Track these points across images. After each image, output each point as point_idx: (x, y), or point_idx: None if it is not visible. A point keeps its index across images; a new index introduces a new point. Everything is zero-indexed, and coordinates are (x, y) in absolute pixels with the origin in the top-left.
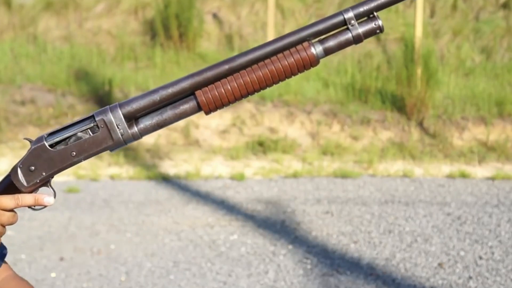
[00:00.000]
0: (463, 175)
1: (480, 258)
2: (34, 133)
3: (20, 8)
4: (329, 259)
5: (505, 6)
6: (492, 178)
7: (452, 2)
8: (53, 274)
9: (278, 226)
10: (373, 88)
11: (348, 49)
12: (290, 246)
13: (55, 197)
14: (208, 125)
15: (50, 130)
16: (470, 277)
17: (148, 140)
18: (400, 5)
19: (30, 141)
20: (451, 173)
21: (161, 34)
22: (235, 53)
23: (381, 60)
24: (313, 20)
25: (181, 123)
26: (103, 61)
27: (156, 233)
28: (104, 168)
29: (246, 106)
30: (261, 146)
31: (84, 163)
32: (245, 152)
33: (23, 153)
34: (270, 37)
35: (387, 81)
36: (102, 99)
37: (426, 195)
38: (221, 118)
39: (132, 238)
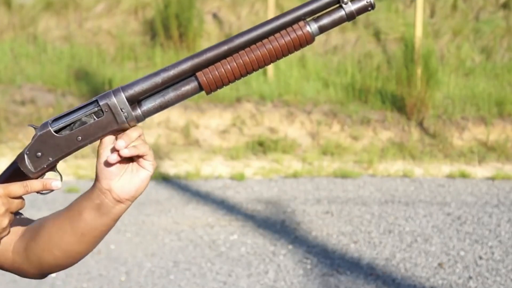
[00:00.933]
0: (463, 175)
1: (480, 258)
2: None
3: (20, 8)
4: (329, 259)
5: (505, 6)
6: (492, 178)
7: (452, 2)
8: (53, 274)
9: (278, 226)
10: (373, 88)
11: (348, 49)
12: (290, 246)
13: (61, 180)
14: (208, 125)
15: (53, 116)
16: (470, 277)
17: (148, 139)
18: (400, 5)
19: (35, 128)
20: (451, 173)
21: (161, 34)
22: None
23: (381, 60)
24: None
25: (181, 123)
26: (103, 61)
27: (156, 233)
28: None
29: (246, 106)
30: (261, 146)
31: (84, 163)
32: (245, 152)
33: None
34: None
35: (387, 81)
36: None
37: (426, 195)
38: (221, 118)
39: (132, 238)
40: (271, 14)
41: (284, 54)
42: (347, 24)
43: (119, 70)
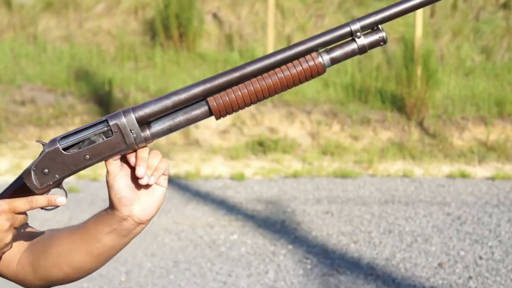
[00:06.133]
0: (463, 175)
1: (480, 258)
2: (34, 133)
3: (20, 8)
4: (329, 259)
5: (505, 6)
6: (492, 178)
7: (452, 2)
8: None
9: (278, 226)
10: (373, 88)
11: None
12: (290, 246)
13: (66, 197)
14: (208, 125)
15: (62, 133)
16: (470, 277)
17: None
18: None
19: (43, 144)
20: (451, 173)
21: (161, 34)
22: (235, 53)
23: (381, 60)
24: (313, 20)
25: None
26: (103, 61)
27: (156, 233)
28: (104, 168)
29: None
30: (261, 146)
31: None
32: (245, 152)
33: (23, 153)
34: (270, 37)
35: (387, 81)
36: (102, 99)
37: (426, 195)
38: None
39: None
40: (271, 14)
41: (295, 84)
42: None
43: (119, 70)
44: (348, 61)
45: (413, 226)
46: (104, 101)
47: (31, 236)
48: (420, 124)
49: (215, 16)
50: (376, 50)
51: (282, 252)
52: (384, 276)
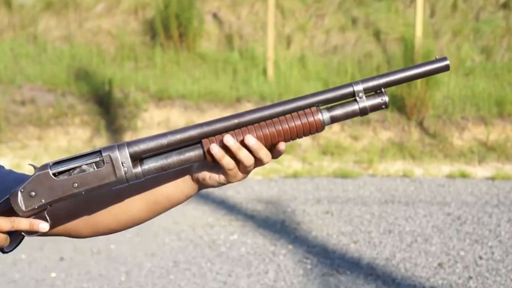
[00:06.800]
0: (463, 175)
1: (480, 258)
2: (34, 133)
3: (20, 8)
4: (329, 259)
5: (505, 6)
6: (492, 178)
7: (452, 2)
8: (53, 274)
9: (278, 226)
10: None
11: (348, 49)
12: (290, 246)
13: (49, 225)
14: None
15: (56, 159)
16: (470, 277)
17: None
18: (400, 5)
19: (35, 168)
20: (451, 173)
21: (161, 34)
22: (235, 53)
23: (381, 60)
24: (313, 20)
25: (181, 122)
26: (103, 61)
27: (156, 233)
28: None
29: (246, 106)
30: None
31: None
32: None
33: (23, 153)
34: (270, 37)
35: None
36: (102, 99)
37: (426, 195)
38: None
39: (132, 238)
40: (271, 14)
41: (292, 137)
42: (347, 24)
43: (119, 70)
44: (348, 61)
45: (413, 226)
46: (104, 101)
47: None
48: (420, 124)
49: (215, 16)
50: (376, 50)
51: (282, 252)
52: (384, 276)
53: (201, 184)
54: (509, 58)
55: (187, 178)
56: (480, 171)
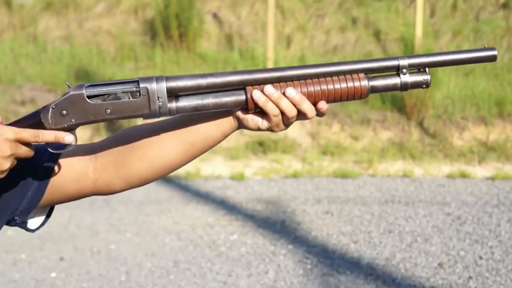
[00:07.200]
0: (463, 175)
1: (480, 258)
2: None
3: (20, 8)
4: (329, 259)
5: (505, 6)
6: (492, 178)
7: (452, 2)
8: (53, 274)
9: (278, 226)
10: None
11: (348, 49)
12: (290, 246)
13: (76, 142)
14: None
15: (91, 82)
16: (470, 277)
17: None
18: (400, 5)
19: (69, 86)
20: (451, 173)
21: (161, 34)
22: (235, 53)
23: None
24: (313, 20)
25: None
26: (103, 61)
27: (156, 233)
28: None
29: None
30: (261, 146)
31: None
32: (245, 152)
33: None
34: (270, 37)
35: None
36: None
37: (426, 195)
38: None
39: (132, 238)
40: (271, 14)
41: (335, 99)
42: (347, 24)
43: (119, 70)
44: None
45: (413, 226)
46: None
47: (86, 148)
48: (420, 124)
49: (215, 16)
50: (376, 50)
51: (282, 252)
52: (384, 276)
53: (242, 124)
54: (509, 58)
55: (228, 117)
56: (480, 171)
